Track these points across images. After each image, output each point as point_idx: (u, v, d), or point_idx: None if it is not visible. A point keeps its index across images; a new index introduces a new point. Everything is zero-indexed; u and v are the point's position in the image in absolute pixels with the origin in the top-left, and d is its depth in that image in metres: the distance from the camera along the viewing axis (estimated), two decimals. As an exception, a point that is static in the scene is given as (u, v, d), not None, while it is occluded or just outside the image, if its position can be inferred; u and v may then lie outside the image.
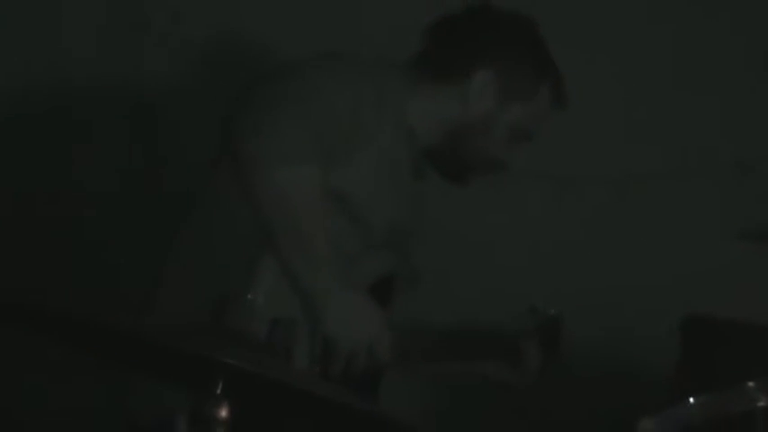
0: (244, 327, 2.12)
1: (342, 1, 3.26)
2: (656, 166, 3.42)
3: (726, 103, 3.41)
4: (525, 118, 2.47)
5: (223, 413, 1.69)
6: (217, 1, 3.22)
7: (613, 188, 3.39)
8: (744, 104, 3.40)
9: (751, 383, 2.08)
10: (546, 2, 3.13)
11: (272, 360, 2.02)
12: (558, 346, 2.57)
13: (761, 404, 2.09)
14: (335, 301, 2.26)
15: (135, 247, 3.02)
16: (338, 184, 2.31)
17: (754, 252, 2.83)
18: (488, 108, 2.43)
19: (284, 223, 2.23)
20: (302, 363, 2.26)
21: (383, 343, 2.32)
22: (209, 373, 1.69)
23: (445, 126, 2.44)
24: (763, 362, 2.39)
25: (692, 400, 2.12)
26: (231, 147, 2.24)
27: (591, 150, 3.39)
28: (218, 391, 1.69)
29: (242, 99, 2.26)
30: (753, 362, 2.48)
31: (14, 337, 2.33)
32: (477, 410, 3.25)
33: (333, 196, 2.30)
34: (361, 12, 3.24)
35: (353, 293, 2.29)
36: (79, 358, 1.92)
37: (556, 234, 3.37)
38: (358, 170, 2.32)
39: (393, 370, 2.45)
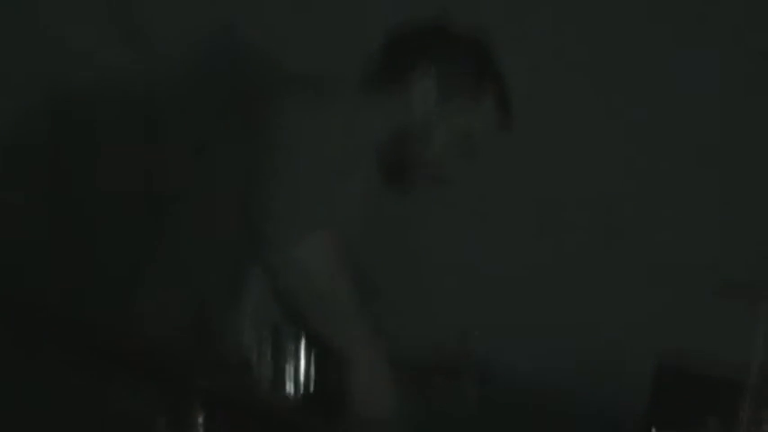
0: (226, 334, 2.17)
1: (342, 7, 3.27)
2: (645, 216, 3.45)
3: (716, 147, 3.45)
4: (466, 126, 2.51)
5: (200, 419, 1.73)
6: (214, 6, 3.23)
7: (600, 234, 3.43)
8: (735, 151, 3.45)
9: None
10: (541, 40, 3.21)
11: (247, 381, 2.06)
12: None
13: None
14: (365, 369, 2.31)
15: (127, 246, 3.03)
16: None
17: (734, 303, 2.85)
18: (429, 112, 2.48)
19: (310, 299, 2.27)
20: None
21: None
22: (189, 383, 1.73)
23: (390, 132, 2.48)
24: (725, 413, 2.43)
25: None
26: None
27: (581, 194, 3.44)
28: (197, 400, 1.73)
29: (256, 182, 2.28)
30: (722, 415, 2.52)
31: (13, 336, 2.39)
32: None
33: None
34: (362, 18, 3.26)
35: (383, 363, 2.33)
36: (59, 358, 1.95)
37: (537, 275, 3.40)
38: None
39: None
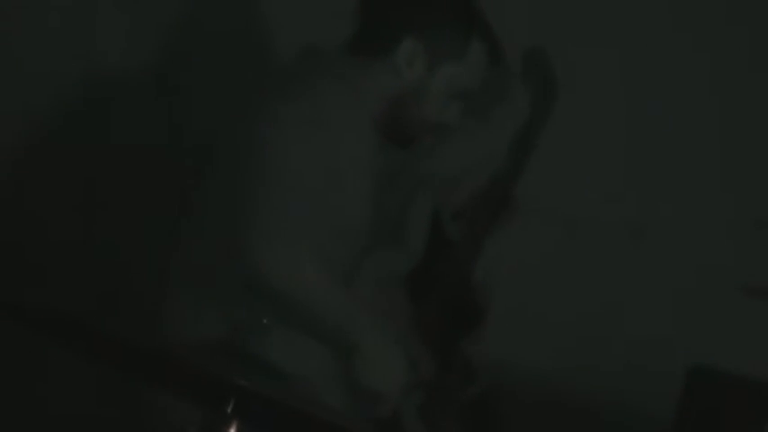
0: (258, 350, 2.17)
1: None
2: (672, 215, 3.44)
3: (747, 158, 3.44)
4: (459, 77, 2.51)
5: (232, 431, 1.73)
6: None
7: (626, 234, 3.42)
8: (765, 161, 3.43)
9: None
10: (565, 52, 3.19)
11: (283, 383, 2.06)
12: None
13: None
14: (372, 353, 2.37)
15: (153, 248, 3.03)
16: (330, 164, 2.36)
17: (762, 308, 2.85)
18: (420, 75, 2.48)
19: (298, 307, 2.32)
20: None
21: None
22: (221, 392, 1.73)
23: (385, 99, 2.48)
24: (760, 417, 2.43)
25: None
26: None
27: (606, 194, 3.42)
28: (229, 410, 1.73)
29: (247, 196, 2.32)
30: (751, 416, 2.51)
31: (20, 341, 2.38)
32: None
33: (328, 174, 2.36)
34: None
35: (385, 342, 2.39)
36: (92, 367, 1.94)
37: (563, 275, 3.39)
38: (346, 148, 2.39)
39: None
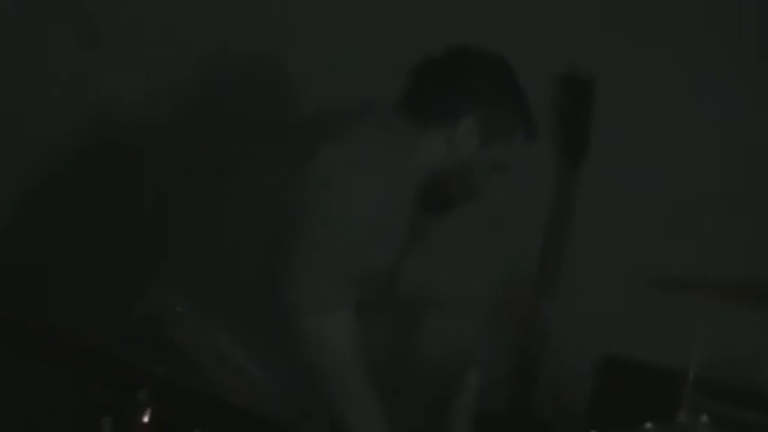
0: (174, 338, 2.19)
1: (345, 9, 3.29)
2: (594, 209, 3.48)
3: (672, 158, 3.49)
4: (504, 154, 2.60)
5: (146, 419, 1.74)
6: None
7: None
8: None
9: (649, 425, 2.15)
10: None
11: (196, 371, 2.07)
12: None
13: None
14: None
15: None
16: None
17: (672, 299, 2.89)
18: (472, 152, 2.56)
19: (326, 372, 2.35)
20: None
21: None
22: (135, 380, 1.74)
23: (433, 169, 2.56)
24: (673, 406, 2.47)
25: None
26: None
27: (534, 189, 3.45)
28: (143, 398, 1.74)
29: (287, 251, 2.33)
30: (664, 405, 2.56)
31: None
32: None
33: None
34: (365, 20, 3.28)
35: None
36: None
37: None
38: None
39: None
